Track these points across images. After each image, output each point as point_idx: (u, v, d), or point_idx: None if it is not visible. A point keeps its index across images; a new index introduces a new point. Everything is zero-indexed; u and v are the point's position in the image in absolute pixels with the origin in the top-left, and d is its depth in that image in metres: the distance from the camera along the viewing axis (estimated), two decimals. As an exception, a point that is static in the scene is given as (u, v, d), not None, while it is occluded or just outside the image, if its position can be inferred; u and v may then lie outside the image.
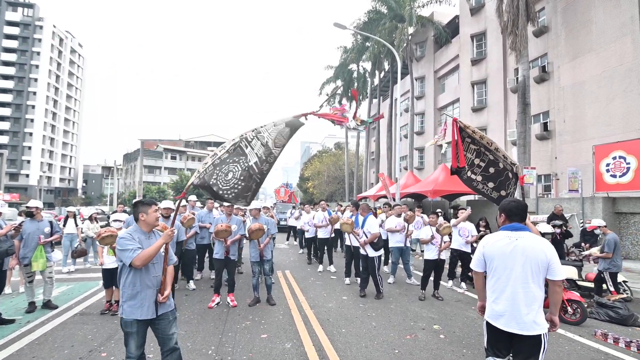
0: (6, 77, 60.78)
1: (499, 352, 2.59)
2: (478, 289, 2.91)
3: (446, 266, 7.35)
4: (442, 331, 4.77)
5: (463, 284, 7.23)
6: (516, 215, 2.66)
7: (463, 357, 3.97)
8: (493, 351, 2.61)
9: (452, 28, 24.76)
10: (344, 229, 6.91)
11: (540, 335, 2.42)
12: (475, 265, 2.77)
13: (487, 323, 2.62)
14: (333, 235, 9.34)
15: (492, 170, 4.15)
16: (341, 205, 11.36)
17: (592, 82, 14.87)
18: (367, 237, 6.42)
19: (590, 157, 11.60)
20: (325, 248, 9.19)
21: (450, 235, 6.98)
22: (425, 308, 5.85)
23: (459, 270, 7.78)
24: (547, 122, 17.05)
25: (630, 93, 13.44)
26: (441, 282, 6.87)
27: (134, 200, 3.01)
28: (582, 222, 10.56)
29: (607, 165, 10.56)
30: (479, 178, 4.20)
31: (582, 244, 8.83)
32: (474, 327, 4.93)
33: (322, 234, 9.09)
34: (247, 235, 5.79)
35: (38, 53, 62.10)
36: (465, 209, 7.62)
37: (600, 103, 14.49)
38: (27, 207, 5.88)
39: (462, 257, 7.35)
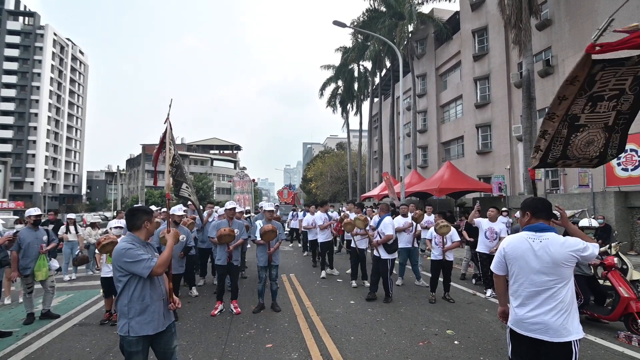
0: (8, 86, 61.03)
1: (524, 362, 2.38)
2: (499, 293, 2.72)
3: (470, 270, 7.06)
4: (456, 336, 4.54)
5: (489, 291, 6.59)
6: (542, 212, 2.47)
7: (480, 365, 3.74)
8: (518, 361, 2.41)
9: (453, 24, 24.47)
10: (356, 225, 6.71)
11: (571, 342, 2.22)
12: (495, 267, 2.61)
13: (511, 330, 2.43)
14: (331, 238, 8.91)
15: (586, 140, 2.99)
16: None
17: (598, 75, 14.56)
18: (380, 238, 6.23)
19: (600, 150, 11.31)
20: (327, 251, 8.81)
21: (462, 234, 6.71)
22: (436, 311, 5.62)
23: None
24: (552, 117, 16.73)
25: (638, 84, 13.10)
26: (453, 284, 6.63)
27: (134, 207, 2.85)
28: (593, 218, 10.27)
29: (618, 158, 10.27)
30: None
31: (596, 241, 8.54)
32: (490, 332, 4.70)
33: (323, 237, 8.63)
34: (259, 237, 5.56)
35: (40, 61, 62.30)
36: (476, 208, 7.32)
37: (607, 96, 14.18)
38: (31, 216, 5.60)
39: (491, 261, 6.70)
